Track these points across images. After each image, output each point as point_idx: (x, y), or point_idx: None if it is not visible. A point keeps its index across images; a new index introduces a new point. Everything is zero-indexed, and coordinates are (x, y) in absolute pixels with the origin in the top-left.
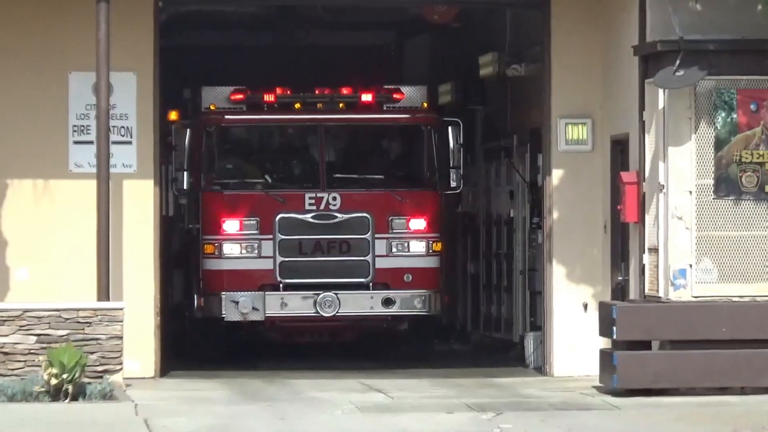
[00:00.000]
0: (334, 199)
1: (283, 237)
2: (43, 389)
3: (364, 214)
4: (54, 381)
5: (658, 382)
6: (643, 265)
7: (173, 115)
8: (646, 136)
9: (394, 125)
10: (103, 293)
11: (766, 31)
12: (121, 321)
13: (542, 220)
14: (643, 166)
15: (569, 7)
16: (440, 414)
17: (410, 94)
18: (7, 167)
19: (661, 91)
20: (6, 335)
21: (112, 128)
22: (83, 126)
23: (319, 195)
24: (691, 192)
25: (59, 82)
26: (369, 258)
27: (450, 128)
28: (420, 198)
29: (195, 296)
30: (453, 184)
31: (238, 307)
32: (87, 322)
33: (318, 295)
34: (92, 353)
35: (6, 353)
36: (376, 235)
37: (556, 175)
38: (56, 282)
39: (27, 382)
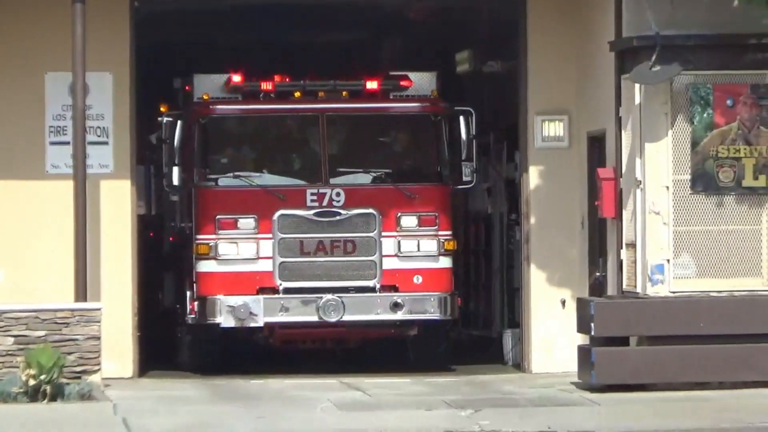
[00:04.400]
0: (338, 194)
1: (283, 236)
2: (21, 390)
3: (371, 211)
4: (32, 382)
5: (636, 378)
6: (621, 261)
7: (161, 109)
8: (623, 132)
9: (401, 115)
10: (81, 294)
11: (742, 27)
12: (99, 321)
13: (520, 217)
14: (619, 162)
15: (545, 3)
16: (419, 411)
17: (419, 81)
18: None
19: (637, 87)
20: None
21: (88, 128)
22: (60, 127)
23: (321, 190)
24: (668, 187)
25: (35, 82)
26: (376, 258)
27: (462, 118)
28: (430, 193)
29: (187, 300)
30: (466, 178)
31: (234, 312)
32: (65, 323)
33: (321, 298)
34: (70, 354)
35: None
36: (384, 234)
37: (533, 171)
38: (33, 283)
39: (5, 383)
